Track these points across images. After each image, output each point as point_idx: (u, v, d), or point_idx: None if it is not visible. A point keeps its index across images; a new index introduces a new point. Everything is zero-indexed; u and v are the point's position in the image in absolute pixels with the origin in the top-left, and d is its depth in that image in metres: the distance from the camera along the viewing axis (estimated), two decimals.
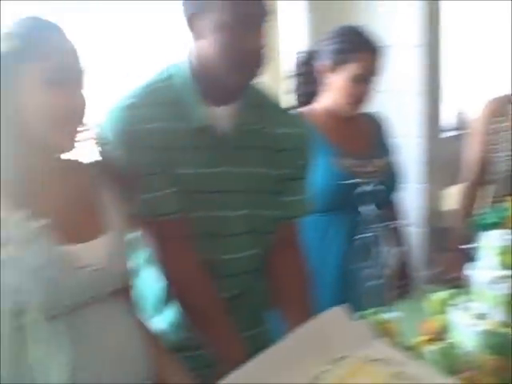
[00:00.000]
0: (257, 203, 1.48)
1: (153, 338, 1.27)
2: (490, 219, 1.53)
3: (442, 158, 2.92)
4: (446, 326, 1.47)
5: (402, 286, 2.21)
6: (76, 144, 1.06)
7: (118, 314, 1.13)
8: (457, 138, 3.22)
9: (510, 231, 1.40)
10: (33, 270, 0.93)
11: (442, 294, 1.56)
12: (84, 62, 1.05)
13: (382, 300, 1.85)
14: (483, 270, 1.41)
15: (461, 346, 1.34)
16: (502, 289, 1.33)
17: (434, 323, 1.54)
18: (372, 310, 1.51)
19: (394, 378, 1.13)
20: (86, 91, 1.07)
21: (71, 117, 1.01)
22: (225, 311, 1.42)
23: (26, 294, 0.93)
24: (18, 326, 0.97)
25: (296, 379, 1.07)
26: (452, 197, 2.65)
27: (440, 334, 1.49)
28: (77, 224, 1.06)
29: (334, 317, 1.24)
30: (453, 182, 2.67)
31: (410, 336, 1.48)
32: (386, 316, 1.50)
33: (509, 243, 1.37)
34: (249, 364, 1.07)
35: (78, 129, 1.06)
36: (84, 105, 1.05)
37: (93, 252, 1.06)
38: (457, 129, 3.95)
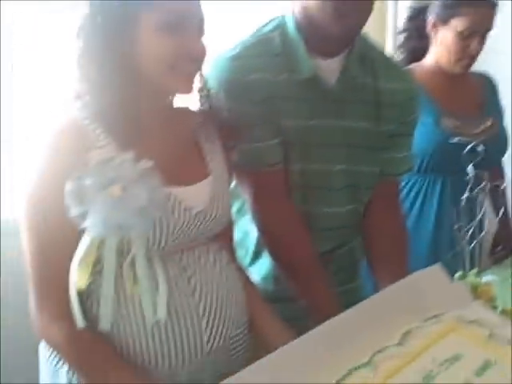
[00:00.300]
0: (358, 158, 1.47)
1: (251, 286, 1.30)
2: None
3: None
4: None
5: (501, 250, 2.15)
6: (192, 87, 1.08)
7: (218, 258, 1.16)
8: None
9: None
10: (138, 210, 0.96)
11: None
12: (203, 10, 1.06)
13: (480, 263, 1.81)
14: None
15: None
16: None
17: None
18: (469, 273, 1.47)
19: (489, 340, 1.10)
20: (205, 39, 1.08)
21: (189, 60, 1.03)
22: (319, 265, 1.43)
23: (131, 232, 0.97)
24: (121, 262, 1.00)
25: (386, 335, 1.07)
26: None
27: None
28: (181, 168, 1.09)
29: (431, 276, 1.22)
30: None
31: (506, 301, 1.44)
32: (482, 279, 1.46)
33: None
34: (339, 316, 1.08)
35: (196, 74, 1.08)
36: (203, 51, 1.06)
37: (196, 195, 1.09)
38: None
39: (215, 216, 1.12)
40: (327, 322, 1.05)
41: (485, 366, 1.04)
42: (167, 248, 1.05)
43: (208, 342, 1.08)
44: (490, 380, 1.01)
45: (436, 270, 1.23)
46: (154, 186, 1.00)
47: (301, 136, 1.41)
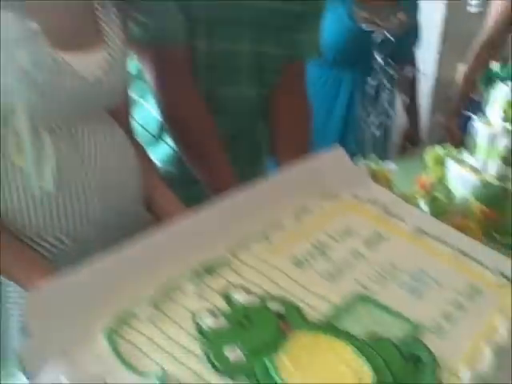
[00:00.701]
0: (265, 39, 1.42)
1: (149, 164, 1.26)
2: (498, 74, 1.48)
3: (465, 32, 2.79)
4: (442, 179, 1.48)
5: (405, 140, 2.21)
6: None
7: (112, 134, 1.11)
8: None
9: None
10: (23, 72, 0.89)
11: (441, 149, 1.55)
12: None
13: (383, 151, 1.85)
14: (485, 124, 1.38)
15: (453, 196, 1.34)
16: (501, 143, 1.30)
17: (430, 177, 1.54)
18: (371, 159, 1.50)
19: (383, 216, 1.13)
20: None
21: None
22: (221, 147, 1.41)
23: (15, 96, 0.90)
24: (5, 131, 0.94)
25: (282, 212, 1.07)
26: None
27: (435, 188, 1.51)
28: (73, 32, 1.01)
29: (332, 157, 1.22)
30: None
31: (405, 189, 1.49)
32: (384, 166, 1.49)
33: None
34: (236, 193, 1.06)
35: None
36: None
37: (89, 62, 1.02)
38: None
39: (109, 87, 1.06)
40: (224, 198, 1.03)
41: (375, 239, 1.07)
42: (56, 118, 0.99)
43: (100, 215, 1.05)
44: (380, 251, 1.04)
45: (337, 152, 1.23)
46: (40, 49, 0.92)
47: (206, 12, 1.34)
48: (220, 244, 0.96)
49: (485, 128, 1.35)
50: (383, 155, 1.75)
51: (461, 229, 1.21)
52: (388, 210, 1.15)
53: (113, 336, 0.79)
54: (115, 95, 1.11)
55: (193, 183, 1.42)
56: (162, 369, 0.75)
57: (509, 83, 1.35)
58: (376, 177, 1.38)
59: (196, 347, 0.80)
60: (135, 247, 0.90)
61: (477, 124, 1.38)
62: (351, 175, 1.23)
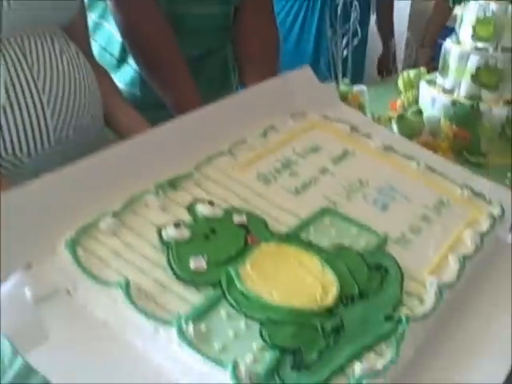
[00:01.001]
0: None
1: (109, 81, 1.22)
2: None
3: None
4: (413, 101, 1.46)
5: (381, 68, 2.19)
6: None
7: (66, 49, 1.06)
8: None
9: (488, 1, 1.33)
10: None
11: (414, 72, 1.53)
12: None
13: (358, 76, 1.82)
14: (455, 43, 1.35)
15: (424, 117, 1.33)
16: (472, 62, 1.28)
17: (403, 100, 1.53)
18: (343, 82, 1.47)
19: (350, 134, 1.11)
20: None
21: None
22: (187, 69, 1.36)
23: None
24: None
25: (249, 129, 1.04)
26: None
27: (406, 110, 1.49)
28: None
29: (300, 76, 1.19)
30: None
31: (380, 113, 1.47)
32: (354, 89, 1.47)
33: (486, 14, 1.31)
34: (199, 110, 1.03)
35: None
36: None
37: None
38: None
39: (62, 1, 1.01)
40: (187, 115, 1.00)
41: (342, 156, 1.05)
42: (5, 30, 0.94)
43: (54, 131, 1.02)
44: (347, 167, 1.02)
45: (305, 71, 1.20)
46: None
47: None
48: (184, 159, 0.94)
49: (455, 47, 1.33)
50: (358, 80, 1.72)
51: (431, 148, 1.21)
52: (356, 129, 1.13)
53: (75, 247, 0.77)
54: (68, 11, 1.05)
55: (159, 107, 1.38)
56: (125, 278, 0.74)
57: (479, 0, 1.32)
58: (346, 99, 1.36)
59: (159, 258, 0.78)
60: (97, 160, 0.87)
61: (448, 44, 1.36)
62: (320, 95, 1.20)
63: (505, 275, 0.94)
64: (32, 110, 0.98)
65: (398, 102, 1.52)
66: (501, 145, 1.31)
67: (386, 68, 2.21)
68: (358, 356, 0.70)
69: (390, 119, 1.41)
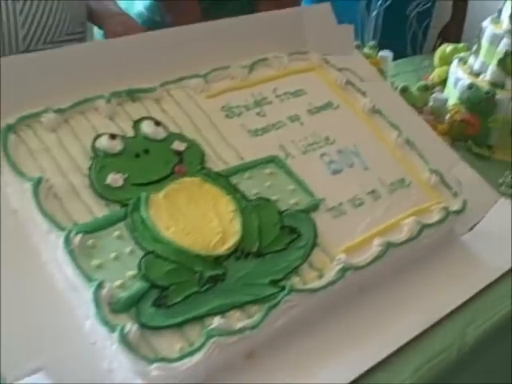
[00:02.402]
0: None
1: None
2: None
3: None
4: (444, 78, 1.36)
5: (442, 37, 1.99)
6: None
7: None
8: None
9: None
10: None
11: (451, 47, 1.41)
12: None
13: (415, 41, 1.67)
14: (492, 23, 1.22)
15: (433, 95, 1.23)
16: (502, 45, 1.16)
17: (435, 74, 1.43)
18: (369, 45, 1.38)
19: (344, 87, 1.05)
20: None
21: None
22: None
23: None
24: None
25: (237, 56, 1.00)
26: None
27: (434, 86, 1.40)
28: None
29: (315, 12, 1.12)
30: None
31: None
32: (379, 54, 1.37)
33: None
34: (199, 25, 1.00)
35: None
36: None
37: None
38: None
39: None
40: (178, 28, 0.97)
41: (322, 107, 1.01)
42: None
43: (24, 40, 1.01)
44: (320, 121, 0.98)
45: (323, 8, 1.13)
46: None
47: None
48: (155, 72, 0.92)
49: (490, 27, 1.20)
50: (418, 49, 1.58)
51: None
52: (353, 82, 1.07)
53: (9, 133, 0.79)
54: None
55: None
56: (42, 175, 0.75)
57: None
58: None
59: (84, 164, 0.79)
60: (62, 52, 0.87)
61: (485, 22, 1.23)
62: (333, 36, 1.13)
63: (441, 269, 0.89)
64: (4, 16, 0.97)
65: (430, 77, 1.42)
66: (509, 142, 1.21)
67: (453, 36, 2.00)
68: (223, 311, 0.70)
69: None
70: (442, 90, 1.33)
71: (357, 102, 1.04)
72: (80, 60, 0.88)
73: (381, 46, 1.35)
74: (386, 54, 1.34)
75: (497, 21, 1.20)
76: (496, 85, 1.18)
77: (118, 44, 0.93)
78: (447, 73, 1.32)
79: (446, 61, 1.37)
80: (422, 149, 1.01)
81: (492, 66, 1.19)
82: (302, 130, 0.95)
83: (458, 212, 0.93)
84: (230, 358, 0.68)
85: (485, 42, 1.20)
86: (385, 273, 0.84)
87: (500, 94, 1.17)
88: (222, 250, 0.74)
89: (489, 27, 1.19)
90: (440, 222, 0.90)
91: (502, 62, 1.15)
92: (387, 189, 0.92)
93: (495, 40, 1.17)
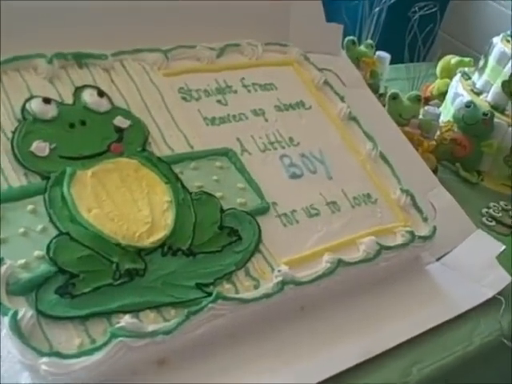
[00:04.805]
0: None
1: None
2: None
3: None
4: (444, 91, 1.34)
5: None
6: None
7: None
8: None
9: None
10: None
11: (457, 59, 1.39)
12: None
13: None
14: (503, 40, 1.20)
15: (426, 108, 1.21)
16: (509, 66, 1.14)
17: (435, 86, 1.41)
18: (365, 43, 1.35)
19: (322, 87, 1.03)
20: None
21: None
22: None
23: None
24: None
25: (210, 37, 0.97)
26: None
27: (432, 97, 1.38)
28: None
29: (306, 6, 1.09)
30: None
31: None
32: (376, 54, 1.35)
33: None
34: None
35: None
36: None
37: None
38: None
39: None
40: None
41: (292, 106, 0.99)
42: None
43: None
44: (287, 120, 0.96)
45: (314, 4, 1.10)
46: None
47: None
48: (110, 39, 0.89)
49: (500, 45, 1.17)
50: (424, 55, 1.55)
51: (412, 142, 1.11)
52: (333, 84, 1.04)
53: None
54: None
55: None
56: None
57: None
58: (358, 61, 1.25)
59: (10, 126, 0.75)
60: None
61: (496, 39, 1.20)
62: (319, 33, 1.11)
63: (397, 298, 0.86)
64: None
65: (429, 88, 1.40)
66: (501, 170, 1.18)
67: None
68: (135, 310, 0.66)
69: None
70: (440, 105, 1.31)
71: (333, 105, 1.02)
72: (26, 14, 0.84)
73: (379, 47, 1.32)
74: (384, 55, 1.31)
75: (508, 39, 1.18)
76: (496, 107, 1.16)
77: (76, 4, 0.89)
78: (448, 86, 1.29)
79: (449, 73, 1.35)
80: (398, 166, 0.98)
81: (495, 87, 1.17)
82: (264, 126, 0.93)
83: (424, 238, 0.90)
84: (137, 362, 0.65)
85: (492, 59, 1.18)
86: (332, 293, 0.80)
87: (499, 119, 1.15)
88: (147, 242, 0.71)
89: (498, 44, 1.17)
90: (402, 245, 0.87)
91: (506, 85, 1.12)
92: (350, 202, 0.90)
93: (503, 59, 1.16)
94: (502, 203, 1.14)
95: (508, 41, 1.18)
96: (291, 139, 0.92)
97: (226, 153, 0.85)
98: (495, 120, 1.16)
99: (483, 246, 0.99)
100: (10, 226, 0.67)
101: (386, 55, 1.31)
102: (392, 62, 1.34)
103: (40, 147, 0.74)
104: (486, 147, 1.17)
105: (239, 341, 0.72)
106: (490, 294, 0.90)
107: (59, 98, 0.80)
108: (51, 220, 0.69)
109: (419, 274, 0.92)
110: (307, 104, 0.99)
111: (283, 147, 0.91)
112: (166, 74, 0.90)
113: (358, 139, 0.99)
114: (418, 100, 1.16)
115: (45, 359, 0.59)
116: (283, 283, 0.74)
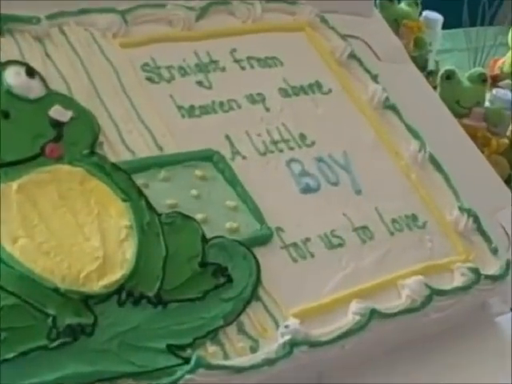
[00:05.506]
0: None
1: None
2: None
3: None
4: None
5: None
6: None
7: None
8: None
9: None
10: None
11: None
12: None
13: None
14: None
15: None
16: None
17: (506, 60, 1.43)
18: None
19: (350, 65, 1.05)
20: None
21: None
22: None
23: None
24: None
25: None
26: None
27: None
28: None
29: None
30: None
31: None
32: (422, 14, 1.38)
33: None
34: None
35: None
36: None
37: None
38: None
39: None
40: None
41: (304, 89, 1.01)
42: None
43: None
44: (297, 107, 0.98)
45: None
46: None
47: None
48: None
49: None
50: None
51: (474, 139, 1.12)
52: (362, 58, 1.06)
53: None
54: None
55: None
56: None
57: None
58: (398, 23, 1.27)
59: None
60: None
61: None
62: None
63: (459, 363, 0.89)
64: None
65: (498, 63, 1.42)
66: None
67: None
68: (80, 383, 0.66)
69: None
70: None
71: (362, 88, 1.04)
72: None
73: (426, 5, 1.34)
74: (434, 16, 1.32)
75: None
76: None
77: None
78: None
79: None
80: (455, 174, 1.00)
81: None
82: (265, 118, 0.94)
83: (494, 278, 0.92)
84: None
85: None
86: (362, 357, 0.81)
87: None
88: (97, 286, 0.71)
89: None
90: (462, 289, 0.89)
91: None
92: (387, 227, 0.91)
93: None
94: None
95: None
96: (303, 137, 0.94)
97: (209, 157, 0.86)
98: None
99: None
100: None
101: (436, 16, 1.33)
102: (445, 27, 1.36)
103: None
104: None
105: None
106: None
107: None
108: None
109: (487, 329, 0.95)
110: (325, 86, 1.01)
111: (292, 148, 0.93)
112: (125, 44, 0.92)
113: (399, 136, 1.01)
114: (482, 80, 1.17)
115: None
116: (292, 344, 0.75)
